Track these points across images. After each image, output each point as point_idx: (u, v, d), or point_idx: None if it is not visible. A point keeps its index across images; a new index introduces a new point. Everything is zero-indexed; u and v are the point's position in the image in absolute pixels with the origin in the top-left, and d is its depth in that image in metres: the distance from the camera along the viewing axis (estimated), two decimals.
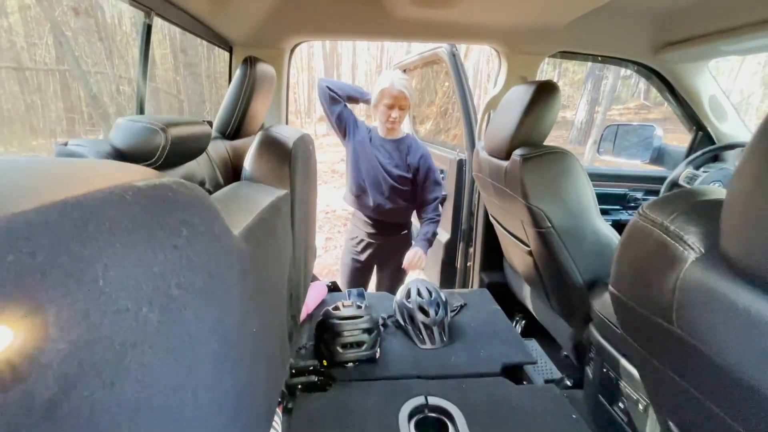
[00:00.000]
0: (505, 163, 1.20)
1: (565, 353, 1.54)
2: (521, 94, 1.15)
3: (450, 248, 2.01)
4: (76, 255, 0.21)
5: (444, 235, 2.04)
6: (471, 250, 1.96)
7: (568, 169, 1.08)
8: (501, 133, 1.21)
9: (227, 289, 0.48)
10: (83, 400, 0.22)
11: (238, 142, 1.21)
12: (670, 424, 0.59)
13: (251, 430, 0.66)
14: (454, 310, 1.51)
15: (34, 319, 0.18)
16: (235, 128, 1.14)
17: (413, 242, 1.70)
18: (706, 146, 1.60)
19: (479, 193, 1.82)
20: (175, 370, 0.33)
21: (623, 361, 0.97)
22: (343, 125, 1.65)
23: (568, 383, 1.36)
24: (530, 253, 1.25)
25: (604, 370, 1.04)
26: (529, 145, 1.14)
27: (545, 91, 1.11)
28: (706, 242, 0.41)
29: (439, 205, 1.71)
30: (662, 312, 0.45)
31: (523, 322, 1.76)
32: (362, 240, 1.78)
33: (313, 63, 16.11)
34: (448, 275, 2.04)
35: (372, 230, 1.74)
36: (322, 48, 14.75)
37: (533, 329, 1.71)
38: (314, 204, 1.41)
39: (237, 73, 1.12)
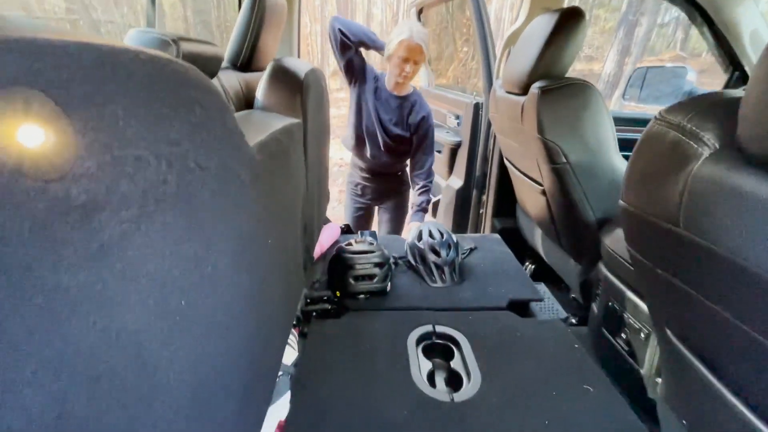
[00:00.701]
0: (522, 99, 1.16)
1: (573, 295, 1.57)
2: (544, 24, 1.09)
3: (463, 195, 2.01)
4: (95, 86, 0.23)
5: (457, 182, 2.03)
6: (484, 197, 1.95)
7: (588, 103, 1.04)
8: (520, 67, 1.16)
9: (242, 190, 0.50)
10: (113, 224, 0.24)
11: (250, 76, 1.20)
12: (671, 337, 0.61)
13: (270, 338, 0.71)
14: (464, 253, 1.54)
15: (63, 127, 0.20)
16: (246, 58, 1.12)
17: (410, 213, 1.75)
18: (741, 87, 1.50)
19: (494, 138, 1.78)
20: (196, 241, 0.36)
21: (629, 294, 0.99)
22: (351, 72, 1.59)
23: (573, 321, 1.40)
24: (543, 192, 1.24)
25: (610, 303, 1.07)
26: (550, 77, 1.09)
27: (570, 19, 1.04)
28: (722, 138, 0.40)
29: (432, 171, 1.71)
30: (669, 215, 0.45)
31: (533, 267, 1.79)
32: (359, 183, 1.83)
33: (326, 12, 15.33)
34: (461, 222, 2.06)
35: (367, 175, 1.79)
36: None
37: (542, 274, 1.74)
38: (327, 143, 1.41)
39: (246, 0, 1.08)
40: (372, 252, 1.26)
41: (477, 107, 1.84)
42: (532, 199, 1.41)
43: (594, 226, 1.12)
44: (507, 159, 1.56)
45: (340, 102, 10.02)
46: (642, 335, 0.94)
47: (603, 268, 1.10)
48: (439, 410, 0.86)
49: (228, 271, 0.46)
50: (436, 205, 2.32)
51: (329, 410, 0.85)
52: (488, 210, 1.91)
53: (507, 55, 1.66)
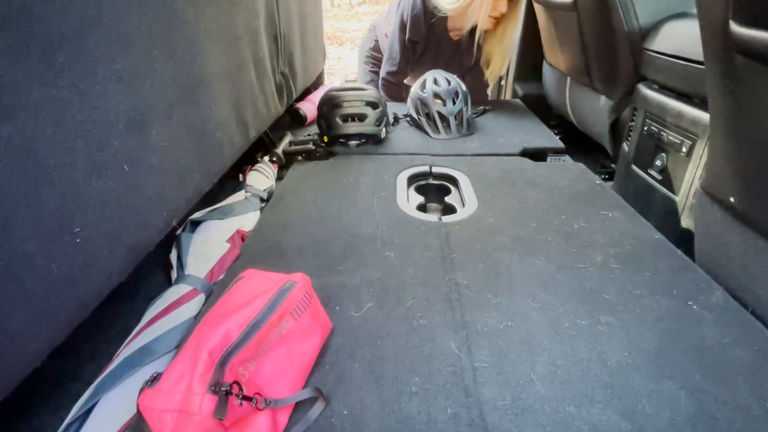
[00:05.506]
0: None
1: (601, 163, 1.38)
2: None
3: None
4: None
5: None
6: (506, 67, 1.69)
7: None
8: None
9: None
10: None
11: None
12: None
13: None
14: (475, 113, 1.35)
15: None
16: None
17: None
18: None
19: None
20: None
21: (673, 104, 0.79)
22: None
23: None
24: (574, 5, 0.99)
25: (645, 129, 0.87)
26: None
27: None
28: None
29: None
30: None
31: (559, 137, 1.57)
32: None
33: None
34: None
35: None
36: None
37: (569, 143, 1.53)
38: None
39: None
40: (364, 90, 1.09)
41: None
42: (562, 36, 1.16)
43: (636, 36, 0.88)
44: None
45: (361, 16, 9.32)
46: (684, 149, 0.75)
47: (643, 89, 0.89)
48: (422, 227, 0.74)
49: None
50: None
51: (297, 222, 0.75)
52: (510, 76, 1.66)
53: None
